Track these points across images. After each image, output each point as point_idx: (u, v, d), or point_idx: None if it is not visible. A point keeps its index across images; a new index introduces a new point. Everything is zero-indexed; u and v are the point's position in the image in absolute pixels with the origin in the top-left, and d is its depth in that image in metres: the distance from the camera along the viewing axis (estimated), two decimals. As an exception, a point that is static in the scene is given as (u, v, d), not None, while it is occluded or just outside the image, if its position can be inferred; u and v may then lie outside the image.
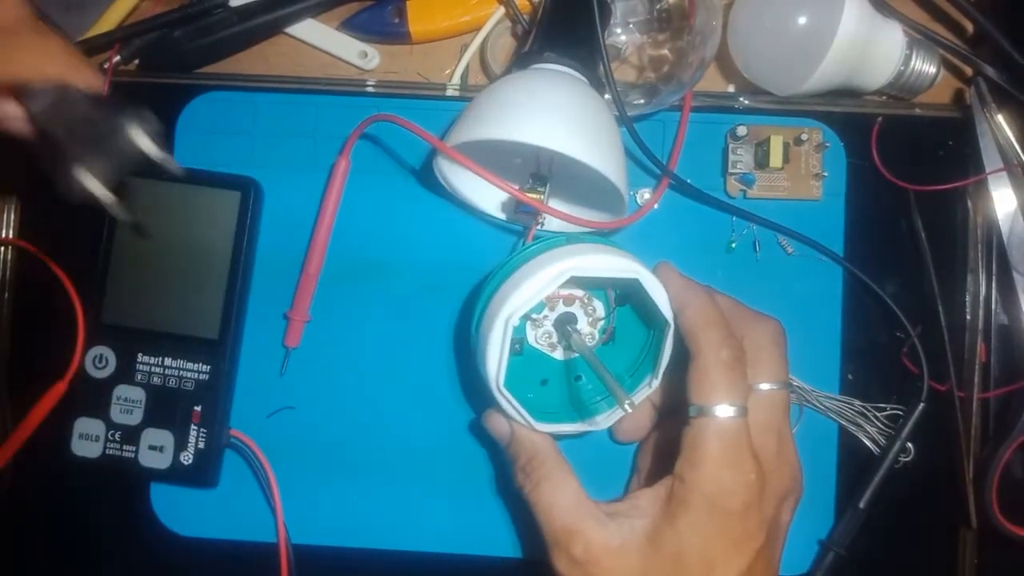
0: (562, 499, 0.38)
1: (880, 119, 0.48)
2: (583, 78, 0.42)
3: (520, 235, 0.48)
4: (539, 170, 0.43)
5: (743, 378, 0.37)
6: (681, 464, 0.37)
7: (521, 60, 0.43)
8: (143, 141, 0.36)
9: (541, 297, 0.37)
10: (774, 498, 0.38)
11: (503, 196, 0.46)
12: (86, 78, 0.36)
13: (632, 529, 0.37)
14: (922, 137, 0.49)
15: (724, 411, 0.36)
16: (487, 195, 0.46)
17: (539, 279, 0.37)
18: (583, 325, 0.42)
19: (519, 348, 0.42)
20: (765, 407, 0.38)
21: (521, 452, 0.40)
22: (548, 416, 0.41)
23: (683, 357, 0.39)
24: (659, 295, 0.39)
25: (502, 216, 0.47)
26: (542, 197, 0.42)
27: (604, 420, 0.41)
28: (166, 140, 0.37)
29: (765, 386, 0.39)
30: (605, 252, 0.39)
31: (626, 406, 0.36)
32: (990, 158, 0.47)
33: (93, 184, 0.36)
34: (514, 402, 0.39)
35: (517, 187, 0.40)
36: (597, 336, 0.42)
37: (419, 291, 0.48)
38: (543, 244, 0.40)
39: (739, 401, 0.36)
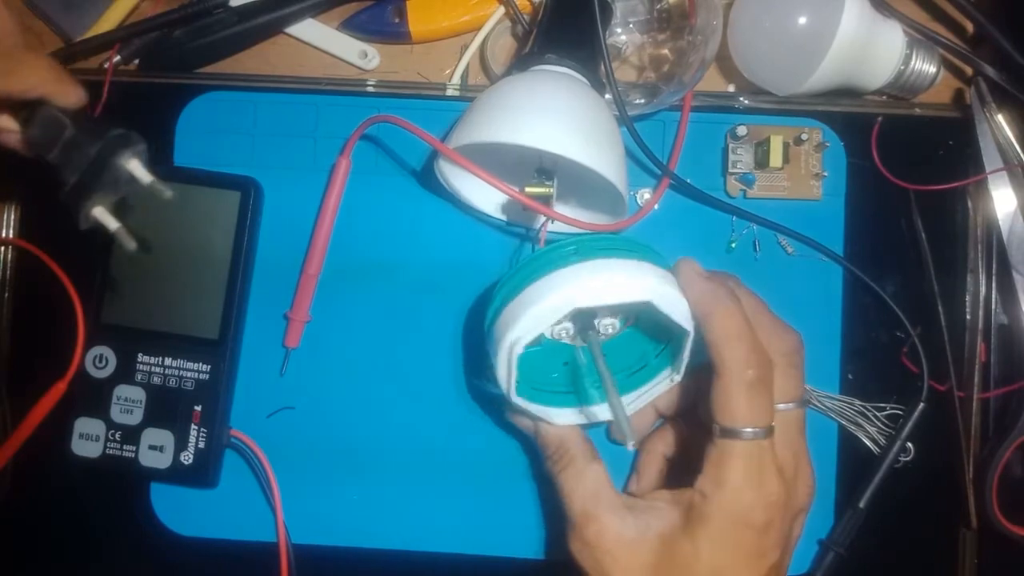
0: (582, 485, 0.39)
1: (880, 119, 0.48)
2: (584, 79, 0.42)
3: (521, 236, 0.48)
4: (542, 166, 0.43)
5: (769, 399, 0.36)
6: (704, 481, 0.37)
7: (522, 61, 0.43)
8: (136, 168, 0.37)
9: (542, 329, 0.37)
10: (791, 516, 0.37)
11: (504, 197, 0.46)
12: (68, 95, 0.36)
13: (647, 527, 0.37)
14: (922, 137, 0.49)
15: (749, 432, 0.36)
16: (488, 196, 0.46)
17: (540, 310, 0.36)
18: (603, 315, 0.41)
19: (538, 341, 0.41)
20: (780, 425, 0.37)
21: (548, 443, 0.41)
22: (572, 397, 0.41)
23: (698, 354, 0.38)
24: (678, 310, 0.37)
25: (503, 217, 0.47)
26: (551, 190, 0.41)
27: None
28: (159, 153, 0.37)
29: (780, 405, 0.38)
30: (612, 270, 0.37)
31: (630, 447, 0.37)
32: (990, 158, 0.47)
33: (102, 215, 0.37)
34: (531, 408, 0.39)
35: (518, 188, 0.40)
36: (618, 325, 0.41)
37: (419, 292, 0.48)
38: (554, 256, 0.38)
39: (764, 422, 0.36)
